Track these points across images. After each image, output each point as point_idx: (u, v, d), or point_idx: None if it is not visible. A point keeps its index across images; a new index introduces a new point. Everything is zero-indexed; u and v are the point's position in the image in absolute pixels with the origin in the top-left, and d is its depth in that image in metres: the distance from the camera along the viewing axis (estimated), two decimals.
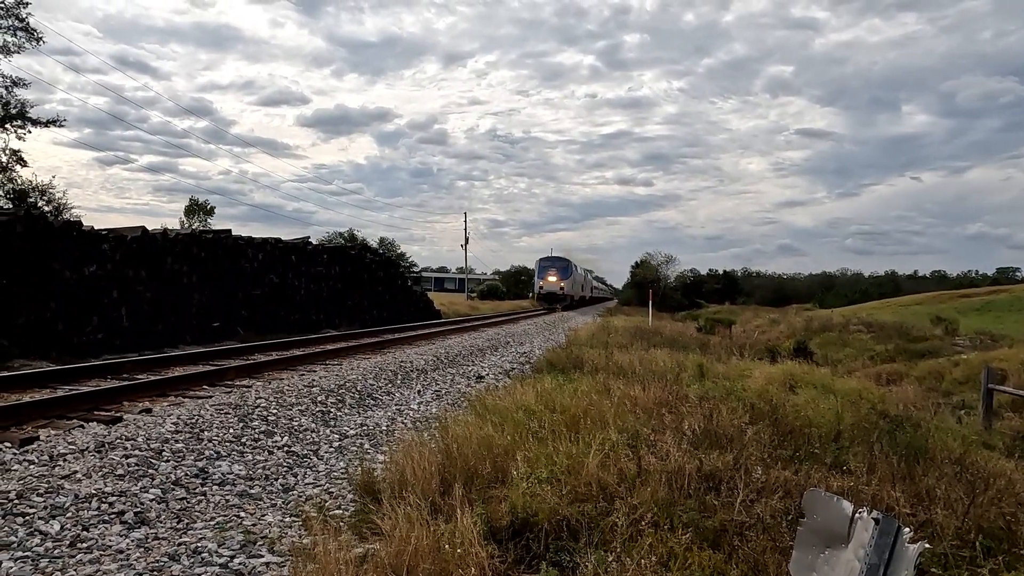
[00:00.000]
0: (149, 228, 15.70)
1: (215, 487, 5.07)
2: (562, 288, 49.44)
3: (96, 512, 4.28)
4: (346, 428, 7.35)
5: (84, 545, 3.82)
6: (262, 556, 3.83)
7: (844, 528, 2.12)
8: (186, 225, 56.69)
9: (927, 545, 2.06)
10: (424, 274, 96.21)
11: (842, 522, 2.13)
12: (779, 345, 20.16)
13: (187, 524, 4.31)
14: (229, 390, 8.54)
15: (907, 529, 1.99)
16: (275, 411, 7.48)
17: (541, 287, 50.15)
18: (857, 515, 2.10)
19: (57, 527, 4.00)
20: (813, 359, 17.19)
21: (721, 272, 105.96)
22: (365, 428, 7.42)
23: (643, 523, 3.90)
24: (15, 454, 5.18)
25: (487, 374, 12.28)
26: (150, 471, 5.17)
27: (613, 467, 4.77)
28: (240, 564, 3.74)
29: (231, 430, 6.58)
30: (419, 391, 10.06)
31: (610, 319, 32.39)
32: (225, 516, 4.49)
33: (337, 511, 4.63)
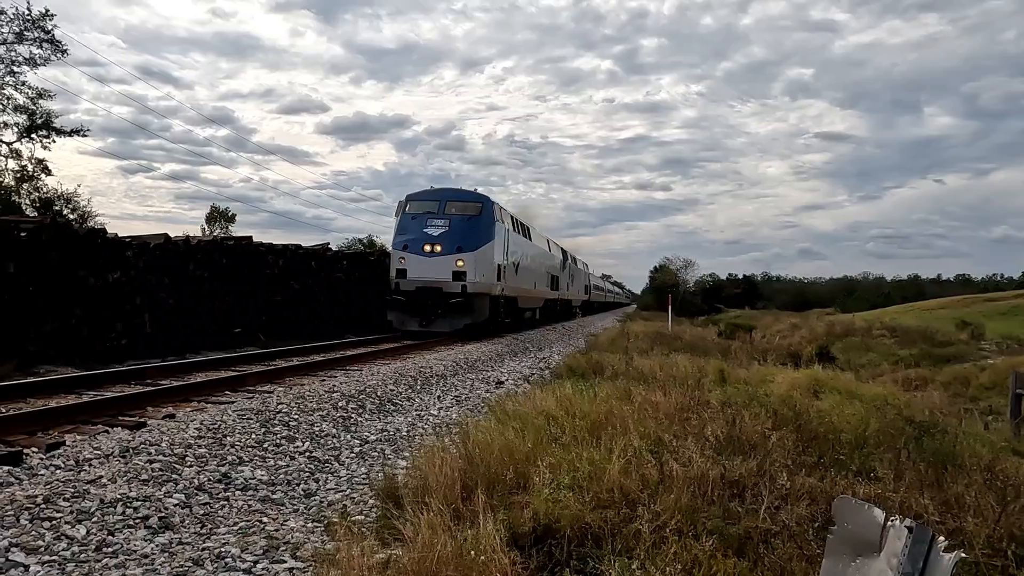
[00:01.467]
0: (171, 235, 15.88)
1: (238, 492, 5.09)
2: (463, 276, 18.30)
3: (121, 517, 4.32)
4: (367, 434, 7.37)
5: (110, 550, 3.85)
6: (285, 562, 3.84)
7: (876, 536, 2.08)
8: (207, 232, 57.32)
9: (963, 555, 2.02)
10: None
11: (874, 530, 2.09)
12: (801, 350, 19.95)
13: (210, 529, 4.33)
14: (251, 396, 8.59)
15: (942, 538, 1.95)
16: (296, 416, 7.51)
17: (400, 272, 18.56)
18: (889, 523, 2.06)
19: (83, 531, 4.04)
20: (836, 364, 16.99)
21: (741, 277, 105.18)
22: (386, 434, 7.43)
23: (667, 530, 3.86)
24: (42, 459, 5.25)
25: (506, 379, 12.27)
26: (174, 476, 5.21)
27: (635, 473, 4.73)
28: (263, 569, 3.75)
29: (253, 435, 6.61)
30: (439, 396, 10.06)
31: (629, 324, 32.27)
32: (248, 521, 4.51)
33: (359, 517, 4.63)
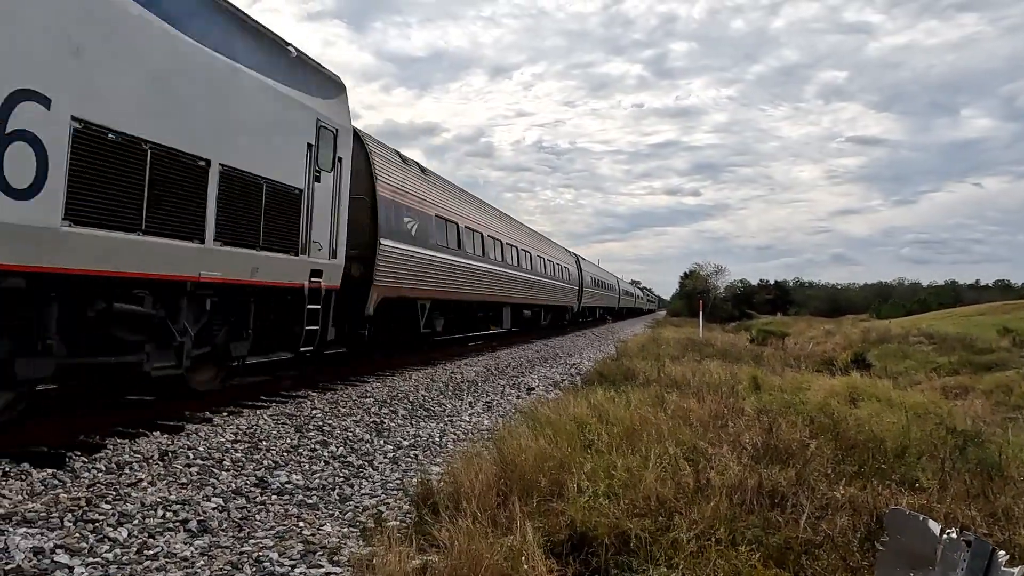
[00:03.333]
0: None
1: (274, 496, 5.13)
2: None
3: (161, 520, 4.37)
4: (400, 439, 7.39)
5: (151, 552, 3.90)
6: (322, 566, 3.85)
7: (930, 549, 2.02)
8: None
9: None
10: None
11: (928, 543, 2.03)
12: (836, 357, 19.62)
13: (248, 533, 4.37)
14: (285, 401, 8.67)
15: (1002, 552, 1.88)
16: (330, 422, 7.57)
17: None
18: (945, 536, 2.00)
19: (125, 534, 4.09)
20: (872, 371, 16.66)
21: (772, 282, 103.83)
22: (418, 439, 7.45)
23: (706, 539, 3.81)
24: (84, 461, 5.34)
25: (537, 385, 12.23)
26: (211, 480, 5.27)
27: (671, 481, 4.68)
28: (301, 574, 3.76)
29: (288, 440, 6.67)
30: (470, 403, 10.06)
31: (660, 330, 32.01)
32: (284, 526, 4.53)
33: (394, 522, 4.64)
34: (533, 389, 11.74)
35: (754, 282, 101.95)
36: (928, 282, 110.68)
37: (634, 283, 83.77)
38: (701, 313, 33.40)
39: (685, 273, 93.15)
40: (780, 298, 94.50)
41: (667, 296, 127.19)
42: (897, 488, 4.97)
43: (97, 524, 4.17)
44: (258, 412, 7.69)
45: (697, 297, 62.42)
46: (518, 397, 10.77)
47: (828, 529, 3.97)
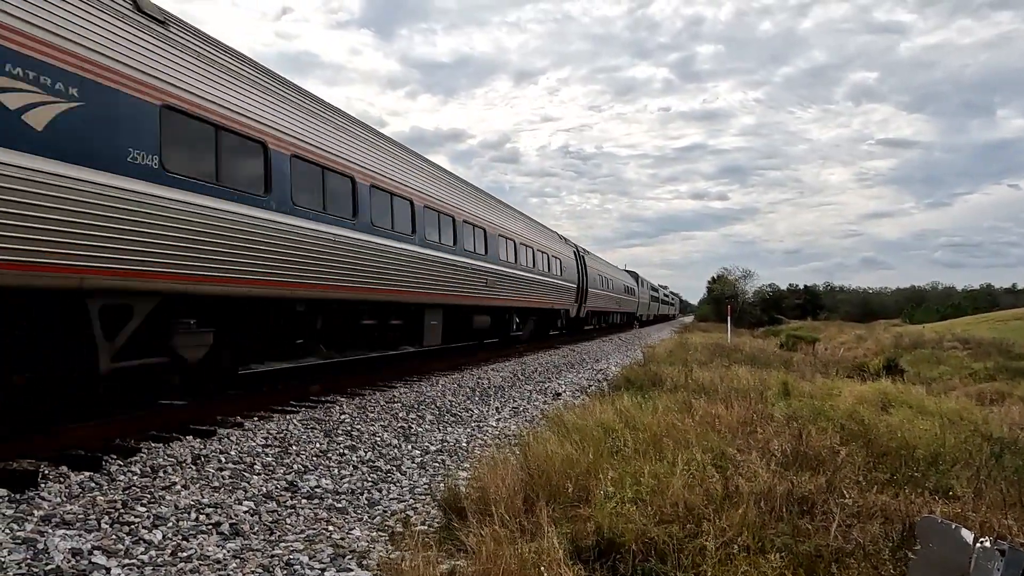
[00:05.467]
0: None
1: (304, 500, 5.19)
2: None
3: (194, 523, 4.46)
4: (427, 444, 7.43)
5: (184, 554, 3.97)
6: (352, 570, 3.89)
7: (964, 559, 1.99)
8: None
9: None
10: None
11: (961, 552, 2.00)
12: (867, 362, 19.30)
13: (279, 536, 4.43)
14: (314, 406, 8.76)
15: None
16: (359, 427, 7.64)
17: None
18: (979, 545, 1.97)
19: (160, 536, 4.18)
20: (904, 377, 16.38)
21: (802, 287, 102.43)
22: (446, 444, 7.48)
23: (734, 546, 3.78)
24: (120, 465, 5.45)
25: (564, 391, 12.22)
26: (243, 483, 5.35)
27: (699, 488, 4.66)
28: None
29: (317, 444, 6.75)
30: (497, 408, 10.08)
31: (688, 335, 31.78)
32: (314, 529, 4.59)
33: (422, 527, 4.67)
34: (560, 394, 11.73)
35: (783, 287, 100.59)
36: (962, 286, 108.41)
37: (661, 287, 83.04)
38: (729, 318, 33.12)
39: (713, 278, 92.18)
40: (810, 303, 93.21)
41: (695, 301, 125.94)
42: (930, 496, 4.89)
43: (133, 526, 4.27)
44: (288, 417, 7.79)
45: (725, 302, 61.72)
46: (545, 402, 10.77)
47: (859, 537, 3.92)
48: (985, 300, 79.53)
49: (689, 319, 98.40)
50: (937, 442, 6.46)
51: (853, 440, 6.52)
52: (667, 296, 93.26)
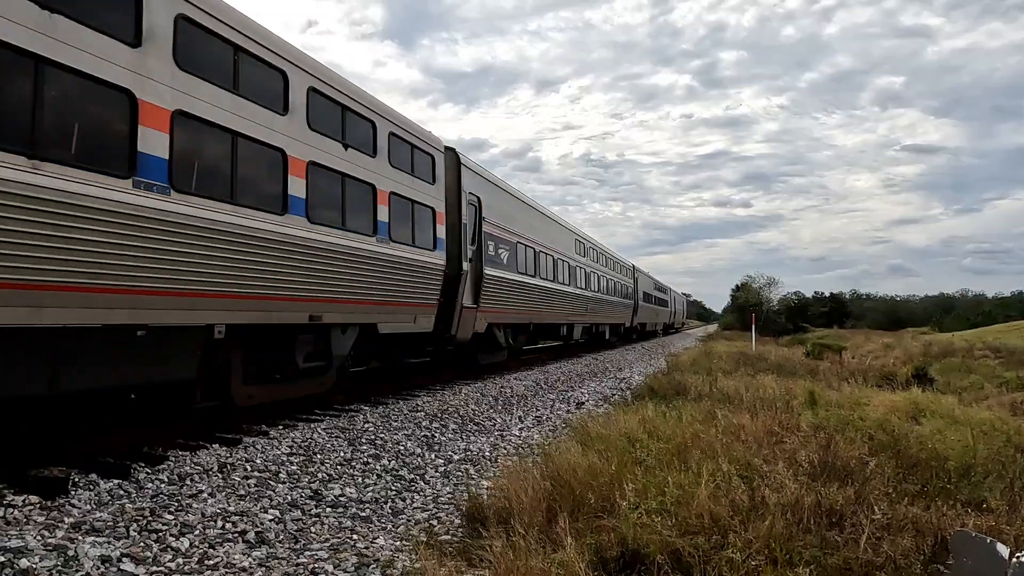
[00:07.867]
0: None
1: (328, 509, 5.22)
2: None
3: (221, 531, 4.49)
4: (450, 453, 7.43)
5: (211, 562, 4.01)
6: None
7: (999, 573, 1.94)
8: None
9: None
10: None
11: (996, 567, 1.96)
12: (896, 372, 18.99)
13: (304, 545, 4.45)
14: (338, 414, 8.81)
15: None
16: (383, 435, 7.66)
17: None
18: (1015, 559, 1.93)
19: (187, 544, 4.22)
20: (934, 387, 16.08)
21: (827, 295, 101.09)
22: (469, 453, 7.48)
23: (761, 558, 3.73)
24: (148, 473, 5.52)
25: (587, 399, 12.17)
26: (268, 492, 5.39)
27: (725, 499, 4.60)
28: None
29: (341, 453, 6.78)
30: (520, 417, 10.06)
31: (712, 344, 31.53)
32: (339, 538, 4.61)
33: (445, 536, 4.67)
34: (583, 404, 11.69)
35: (808, 294, 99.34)
36: (993, 293, 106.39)
37: (684, 295, 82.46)
38: (753, 326, 32.78)
39: (737, 286, 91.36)
40: (836, 311, 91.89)
41: (718, 309, 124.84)
42: (963, 509, 4.79)
43: (160, 534, 4.31)
44: (312, 426, 7.83)
45: (749, 310, 61.07)
46: (568, 412, 10.73)
47: (890, 550, 3.84)
48: (1017, 307, 77.91)
49: (713, 328, 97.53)
50: (969, 453, 6.33)
51: (882, 451, 6.42)
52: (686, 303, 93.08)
